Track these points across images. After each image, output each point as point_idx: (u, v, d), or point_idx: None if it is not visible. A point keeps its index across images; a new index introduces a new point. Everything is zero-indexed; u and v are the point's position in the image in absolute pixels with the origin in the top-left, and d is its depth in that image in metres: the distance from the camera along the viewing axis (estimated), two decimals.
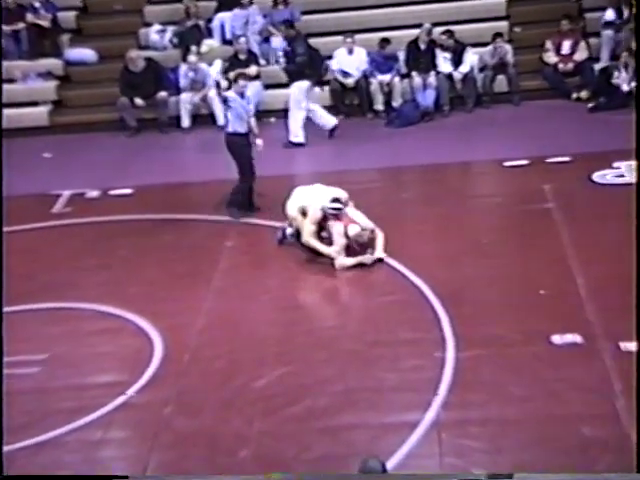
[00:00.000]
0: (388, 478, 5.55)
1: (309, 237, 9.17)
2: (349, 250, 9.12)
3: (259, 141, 10.42)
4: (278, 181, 11.21)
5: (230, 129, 10.40)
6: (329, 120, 12.96)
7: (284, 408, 7.02)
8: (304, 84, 12.85)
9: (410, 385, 7.17)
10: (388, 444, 6.50)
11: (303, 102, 12.79)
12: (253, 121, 10.48)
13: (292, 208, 9.43)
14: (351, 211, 9.25)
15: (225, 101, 10.60)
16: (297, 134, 12.81)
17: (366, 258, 9.00)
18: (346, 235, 9.07)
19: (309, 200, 9.32)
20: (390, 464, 6.26)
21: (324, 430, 6.75)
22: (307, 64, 13.00)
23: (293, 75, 13.06)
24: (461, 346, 7.58)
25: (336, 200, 9.16)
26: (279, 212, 10.10)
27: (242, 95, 10.30)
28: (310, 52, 13.20)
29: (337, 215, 9.12)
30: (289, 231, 9.57)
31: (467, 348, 7.55)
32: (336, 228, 9.11)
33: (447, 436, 6.55)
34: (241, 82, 10.32)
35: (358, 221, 9.15)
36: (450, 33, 13.86)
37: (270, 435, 6.77)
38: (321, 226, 9.25)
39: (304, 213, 9.29)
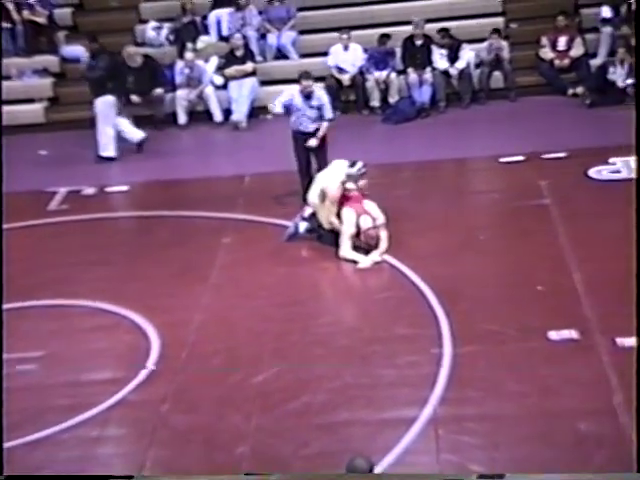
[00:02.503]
0: (377, 478, 5.54)
1: (333, 218, 9.26)
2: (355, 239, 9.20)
3: (312, 141, 10.27)
4: (275, 178, 11.24)
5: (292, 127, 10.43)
6: (135, 134, 12.88)
7: (282, 404, 7.03)
8: (109, 99, 12.71)
9: (407, 381, 7.18)
10: (385, 440, 6.51)
11: (110, 117, 12.70)
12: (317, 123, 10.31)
13: (313, 195, 9.48)
14: (366, 202, 9.29)
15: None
16: (107, 148, 12.71)
17: (364, 261, 9.00)
18: (357, 225, 9.12)
19: (327, 181, 9.38)
20: (387, 460, 6.29)
21: (321, 426, 6.75)
22: (108, 78, 12.78)
23: (96, 89, 12.85)
24: (458, 342, 7.59)
25: (354, 163, 9.36)
26: (276, 208, 10.13)
27: (308, 97, 10.21)
28: (113, 66, 13.02)
29: (350, 196, 9.23)
30: (303, 226, 9.57)
31: (464, 344, 7.56)
32: (347, 215, 9.15)
33: (444, 432, 6.56)
34: (304, 82, 10.21)
35: (372, 213, 9.22)
36: (445, 32, 13.85)
37: (268, 431, 6.76)
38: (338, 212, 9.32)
39: (323, 197, 9.32)
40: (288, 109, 10.35)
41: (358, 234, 9.16)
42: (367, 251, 9.15)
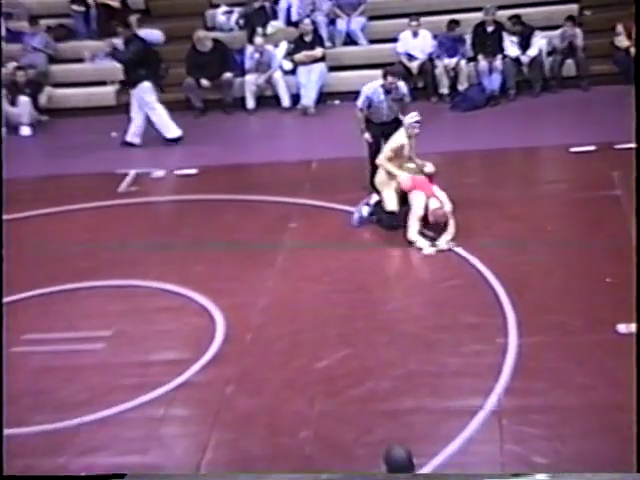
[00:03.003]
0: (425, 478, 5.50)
1: (384, 161, 9.56)
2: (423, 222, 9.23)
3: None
4: (342, 163, 11.23)
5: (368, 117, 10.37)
6: (169, 129, 12.75)
7: (345, 390, 7.04)
8: (146, 85, 12.59)
9: (472, 370, 7.14)
10: (448, 429, 6.49)
11: (147, 104, 12.68)
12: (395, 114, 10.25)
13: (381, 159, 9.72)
14: (436, 189, 9.35)
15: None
16: (136, 135, 12.76)
17: (428, 249, 8.98)
18: (425, 207, 9.17)
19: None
20: (450, 449, 6.27)
21: (385, 413, 6.74)
22: (140, 64, 12.61)
23: (130, 75, 12.75)
24: (524, 332, 7.52)
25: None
26: (343, 194, 10.12)
27: (389, 91, 10.11)
28: (145, 52, 12.79)
29: (419, 182, 9.32)
30: (366, 210, 9.62)
31: (530, 334, 7.49)
32: (417, 197, 9.19)
33: (508, 423, 6.51)
34: (390, 79, 10.10)
35: (441, 198, 9.27)
36: (517, 18, 13.68)
37: (331, 417, 6.78)
38: (404, 196, 9.41)
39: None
40: (370, 103, 10.25)
41: (426, 218, 9.15)
42: (433, 239, 9.10)
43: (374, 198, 9.70)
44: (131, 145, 12.74)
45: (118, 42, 12.96)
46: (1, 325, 7.49)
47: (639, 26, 11.70)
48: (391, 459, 4.76)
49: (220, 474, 6.25)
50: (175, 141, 12.75)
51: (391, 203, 9.47)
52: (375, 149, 10.23)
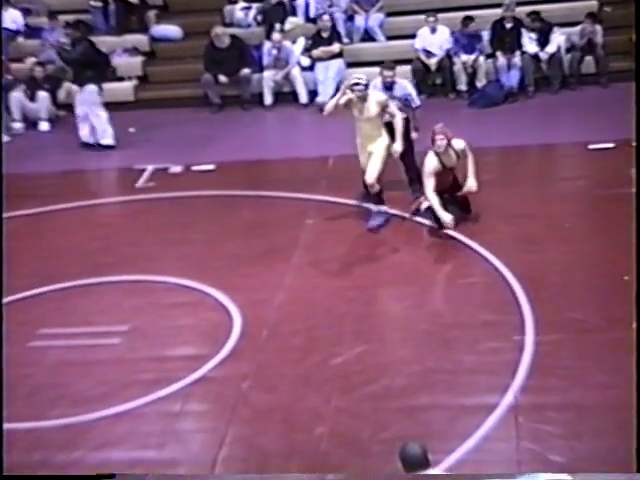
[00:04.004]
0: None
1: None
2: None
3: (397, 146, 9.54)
4: (358, 160, 11.20)
5: None
6: (106, 135, 12.62)
7: (361, 386, 7.03)
8: (92, 87, 12.51)
9: (488, 368, 7.11)
10: (464, 426, 6.46)
11: (97, 105, 12.62)
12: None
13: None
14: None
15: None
16: (105, 135, 12.64)
17: (445, 218, 8.99)
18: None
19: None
20: (466, 446, 6.25)
21: (401, 410, 6.73)
22: (87, 66, 12.52)
23: (76, 77, 12.67)
24: (541, 330, 7.49)
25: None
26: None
27: (389, 88, 9.84)
28: (92, 54, 12.71)
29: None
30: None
31: (547, 332, 7.46)
32: (428, 159, 9.13)
33: (524, 420, 6.48)
34: (385, 73, 9.89)
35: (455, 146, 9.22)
36: (536, 15, 13.63)
37: (347, 413, 6.77)
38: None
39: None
40: None
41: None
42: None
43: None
44: (109, 147, 12.67)
45: (66, 41, 12.91)
46: (1, 325, 7.55)
47: (639, 26, 11.62)
48: (407, 456, 4.76)
49: (220, 475, 6.25)
50: (108, 148, 12.63)
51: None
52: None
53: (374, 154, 9.31)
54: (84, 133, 12.69)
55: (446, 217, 8.98)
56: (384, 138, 9.36)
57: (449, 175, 9.26)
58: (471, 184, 9.22)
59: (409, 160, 9.96)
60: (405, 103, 9.91)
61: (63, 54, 12.83)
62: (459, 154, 9.18)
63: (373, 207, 9.53)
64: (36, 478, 6.13)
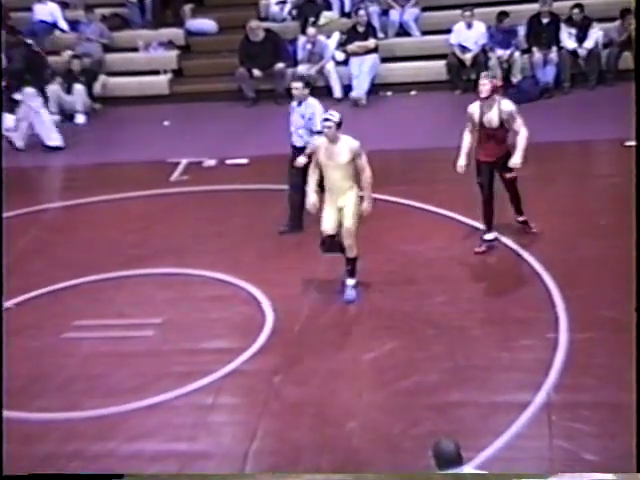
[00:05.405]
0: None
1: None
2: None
3: (300, 159, 9.13)
4: (393, 155, 11.19)
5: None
6: (51, 136, 12.61)
7: (393, 382, 7.02)
8: (30, 90, 12.42)
9: (521, 365, 7.09)
10: (496, 423, 6.45)
11: (39, 107, 12.52)
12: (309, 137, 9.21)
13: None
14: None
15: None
16: (51, 136, 12.61)
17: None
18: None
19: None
20: (498, 443, 6.23)
21: (432, 406, 6.72)
22: (26, 70, 12.43)
23: (15, 81, 12.48)
24: (575, 328, 7.45)
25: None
26: (394, 186, 10.06)
27: (299, 103, 9.28)
28: (31, 58, 12.61)
29: None
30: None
31: (581, 330, 7.42)
32: None
33: (557, 418, 6.45)
34: (293, 85, 9.35)
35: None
36: (581, 7, 13.50)
37: (378, 408, 6.77)
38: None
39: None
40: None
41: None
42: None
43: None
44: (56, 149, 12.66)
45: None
46: (1, 325, 7.61)
47: (639, 25, 11.53)
48: (440, 452, 4.75)
49: (234, 475, 6.26)
50: (55, 149, 12.61)
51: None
52: (294, 184, 9.39)
53: (345, 211, 8.07)
54: (14, 134, 12.64)
55: (460, 163, 8.62)
56: (355, 191, 8.10)
57: (490, 138, 8.64)
58: (515, 160, 8.57)
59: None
60: (307, 125, 9.25)
61: (10, 67, 12.65)
62: (503, 115, 8.57)
63: (348, 281, 8.30)
64: (37, 478, 6.18)
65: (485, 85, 8.60)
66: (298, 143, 9.38)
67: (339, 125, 8.01)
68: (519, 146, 8.68)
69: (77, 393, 7.26)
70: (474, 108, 8.74)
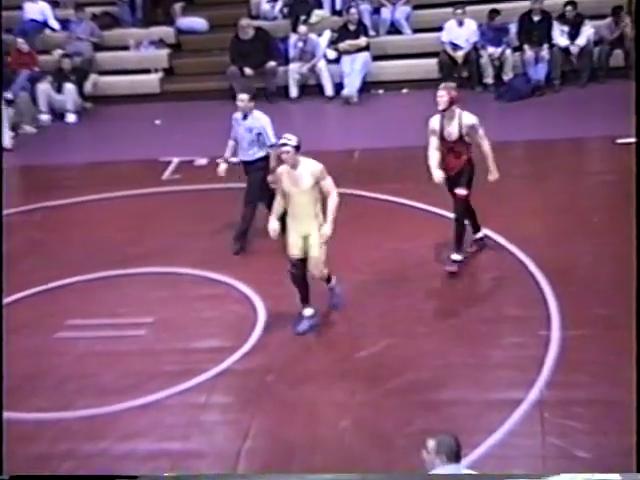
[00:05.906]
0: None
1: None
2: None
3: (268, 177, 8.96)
4: (384, 153, 11.18)
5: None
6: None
7: (386, 380, 7.02)
8: None
9: (513, 363, 7.10)
10: (489, 421, 6.45)
11: None
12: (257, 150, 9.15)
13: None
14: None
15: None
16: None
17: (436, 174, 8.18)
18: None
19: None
20: (491, 441, 6.23)
21: (425, 404, 6.72)
22: None
23: None
24: (567, 325, 7.46)
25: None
26: (385, 184, 10.06)
27: (245, 116, 9.10)
28: None
29: None
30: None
31: (573, 327, 7.43)
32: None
33: (550, 416, 6.46)
34: (239, 96, 9.04)
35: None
36: (574, 4, 13.52)
37: (371, 407, 6.77)
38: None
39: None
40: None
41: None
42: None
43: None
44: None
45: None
46: (1, 325, 7.59)
47: (638, 25, 11.56)
48: (444, 442, 4.78)
49: (240, 475, 6.25)
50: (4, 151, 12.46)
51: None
52: (250, 201, 9.30)
53: (311, 240, 7.68)
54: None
55: (437, 174, 8.28)
56: (320, 218, 7.70)
57: (449, 151, 8.31)
58: (493, 176, 8.43)
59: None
60: (258, 139, 9.09)
61: None
62: (463, 129, 8.26)
63: (305, 311, 7.88)
64: (37, 478, 6.16)
65: (442, 97, 8.21)
66: (247, 158, 9.23)
67: (297, 148, 7.56)
68: (489, 159, 8.41)
69: (70, 392, 7.24)
70: (435, 122, 8.35)
